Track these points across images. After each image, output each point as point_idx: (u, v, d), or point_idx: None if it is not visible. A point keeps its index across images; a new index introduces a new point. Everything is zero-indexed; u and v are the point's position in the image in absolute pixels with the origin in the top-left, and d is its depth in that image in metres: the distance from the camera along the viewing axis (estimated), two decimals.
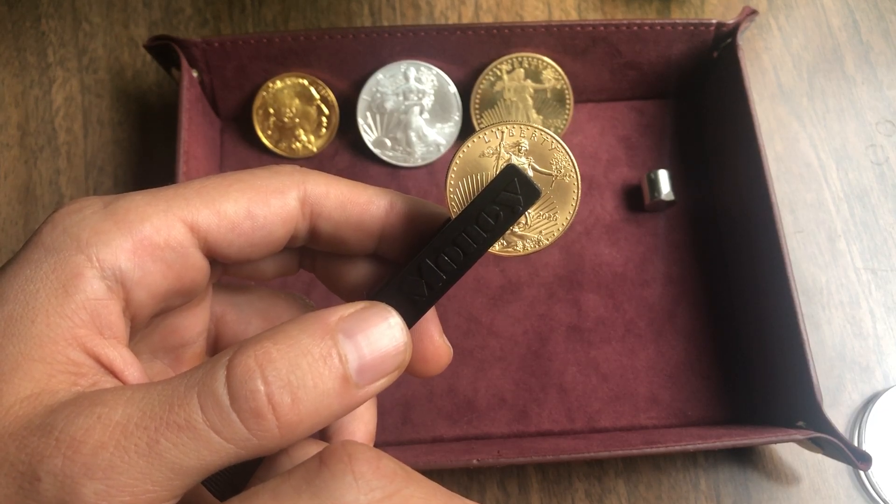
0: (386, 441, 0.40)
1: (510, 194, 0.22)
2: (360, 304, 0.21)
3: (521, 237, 0.25)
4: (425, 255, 0.22)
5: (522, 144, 0.24)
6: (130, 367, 0.20)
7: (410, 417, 0.40)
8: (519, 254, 0.25)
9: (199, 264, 0.21)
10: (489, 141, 0.24)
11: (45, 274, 0.19)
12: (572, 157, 0.24)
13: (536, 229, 0.25)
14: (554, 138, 0.24)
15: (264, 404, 0.18)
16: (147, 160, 0.46)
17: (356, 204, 0.23)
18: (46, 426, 0.17)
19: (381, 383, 0.20)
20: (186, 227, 0.20)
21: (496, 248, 0.24)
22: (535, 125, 0.24)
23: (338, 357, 0.19)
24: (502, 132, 0.24)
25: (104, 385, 0.19)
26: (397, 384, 0.41)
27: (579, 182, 0.24)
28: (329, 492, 0.17)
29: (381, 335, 0.20)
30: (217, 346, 0.26)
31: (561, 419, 0.41)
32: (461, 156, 0.24)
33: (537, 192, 0.22)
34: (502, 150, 0.24)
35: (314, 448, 0.21)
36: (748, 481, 0.40)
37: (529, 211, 0.24)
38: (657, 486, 0.40)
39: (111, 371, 0.19)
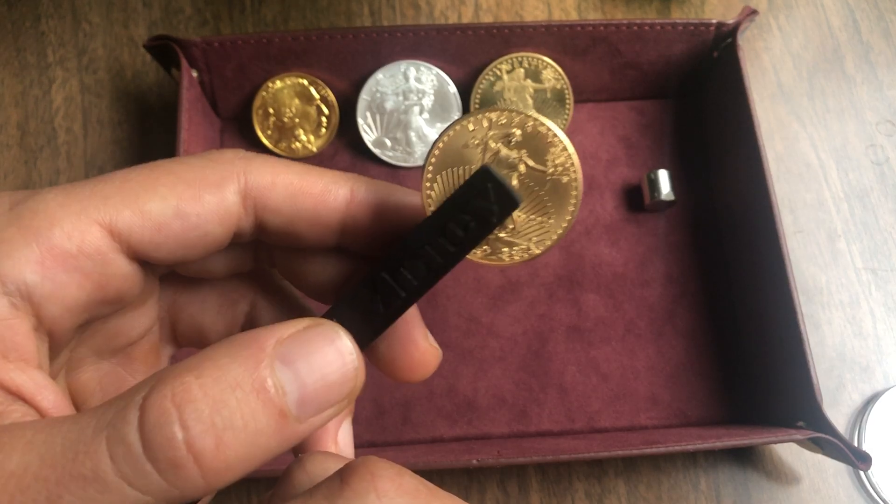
0: (386, 441, 0.40)
1: (483, 203, 0.18)
2: (302, 323, 0.17)
3: (508, 244, 0.21)
4: (381, 269, 0.19)
5: (514, 135, 0.20)
6: (44, 390, 0.17)
7: (410, 417, 0.40)
8: (505, 263, 0.21)
9: (123, 270, 0.19)
10: (474, 129, 0.20)
11: None
12: (572, 152, 0.20)
13: (527, 236, 0.21)
14: (551, 129, 0.19)
15: (183, 453, 0.15)
16: (147, 160, 0.46)
17: (309, 194, 0.20)
18: None
19: (328, 414, 0.17)
20: (104, 231, 0.18)
21: (478, 254, 0.21)
22: (531, 112, 0.20)
23: (273, 389, 0.16)
24: (490, 119, 0.20)
25: (11, 415, 0.16)
26: (397, 384, 0.41)
27: (580, 182, 0.20)
28: None
29: (325, 361, 0.17)
30: (175, 330, 0.24)
31: (561, 419, 0.41)
32: (441, 146, 0.20)
33: (515, 201, 0.18)
34: (490, 141, 0.20)
35: (334, 464, 0.20)
36: (748, 481, 0.40)
37: (520, 213, 0.20)
38: (657, 486, 0.40)
39: (20, 397, 0.17)
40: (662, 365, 0.42)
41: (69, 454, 0.15)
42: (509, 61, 0.44)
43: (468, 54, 0.44)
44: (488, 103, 0.45)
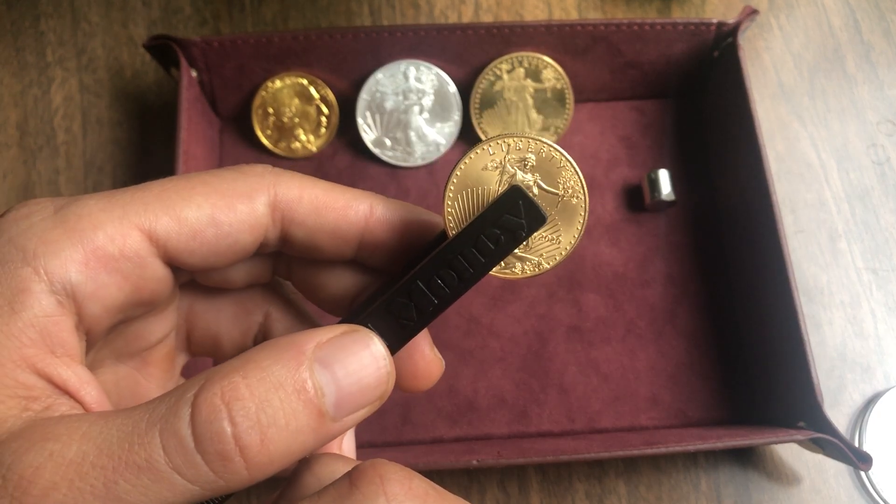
0: (386, 441, 0.40)
1: (513, 218, 0.20)
2: (339, 329, 0.19)
3: (521, 259, 0.23)
4: (417, 277, 0.20)
5: (529, 160, 0.22)
6: (87, 385, 0.18)
7: (410, 418, 0.40)
8: (517, 276, 0.23)
9: (159, 274, 0.20)
10: (493, 153, 0.22)
11: None
12: (581, 177, 0.22)
13: (538, 251, 0.23)
14: (563, 155, 0.22)
15: (231, 447, 0.16)
16: (146, 160, 0.46)
17: (332, 209, 0.21)
18: None
19: (361, 414, 0.19)
20: (144, 236, 0.19)
21: (494, 268, 0.22)
22: (544, 139, 0.22)
23: (313, 390, 0.17)
24: (508, 145, 0.22)
25: (59, 408, 0.17)
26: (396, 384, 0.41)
27: (587, 204, 0.22)
28: None
29: (361, 365, 0.18)
30: (190, 339, 0.25)
31: (561, 419, 0.41)
32: (462, 167, 0.22)
33: (543, 217, 0.20)
34: (507, 165, 0.22)
35: (342, 466, 0.20)
36: (749, 482, 0.40)
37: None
38: (657, 486, 0.40)
39: (66, 392, 0.18)
40: (663, 365, 0.42)
41: (125, 445, 0.16)
42: (509, 61, 0.44)
43: (468, 54, 0.43)
44: (488, 103, 0.45)
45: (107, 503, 0.16)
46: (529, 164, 0.22)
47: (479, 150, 0.22)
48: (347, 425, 0.18)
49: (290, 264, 0.24)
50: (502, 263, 0.22)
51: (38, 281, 0.17)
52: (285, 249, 0.22)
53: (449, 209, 0.22)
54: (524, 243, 0.21)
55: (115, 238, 0.18)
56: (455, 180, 0.22)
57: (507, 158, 0.22)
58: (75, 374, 0.18)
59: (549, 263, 0.23)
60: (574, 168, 0.22)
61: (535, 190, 0.22)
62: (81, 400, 0.18)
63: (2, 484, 0.16)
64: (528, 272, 0.23)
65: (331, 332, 0.18)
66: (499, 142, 0.22)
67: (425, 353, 0.23)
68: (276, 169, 0.21)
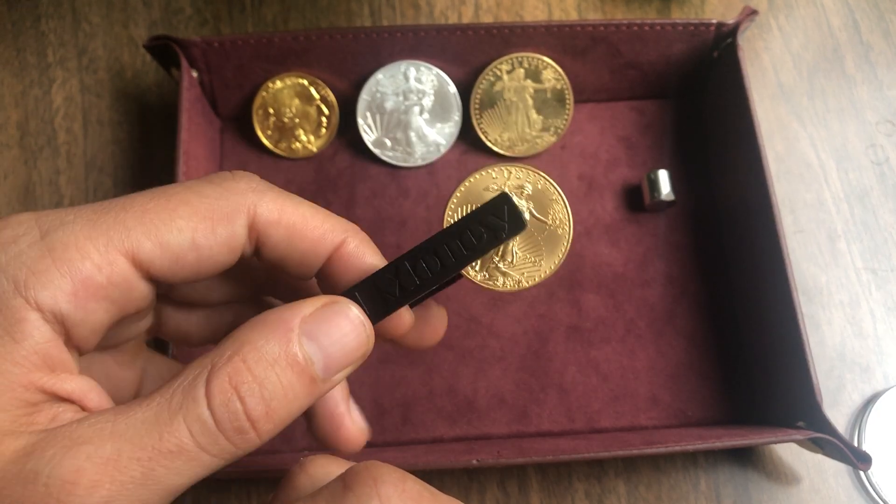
0: (386, 441, 0.40)
1: (497, 220, 0.22)
2: (320, 301, 0.21)
3: (504, 274, 0.25)
4: (405, 258, 0.23)
5: (526, 188, 0.25)
6: (90, 393, 0.20)
7: (410, 418, 0.40)
8: (497, 289, 0.26)
9: (143, 292, 0.21)
10: (496, 177, 0.25)
11: None
12: (570, 212, 0.25)
13: (520, 270, 0.26)
14: (557, 190, 0.25)
15: (245, 422, 0.19)
16: (147, 160, 0.46)
17: (306, 239, 0.22)
18: (28, 474, 0.17)
19: (346, 372, 0.21)
20: (128, 260, 0.20)
21: (478, 277, 0.25)
22: (544, 175, 0.25)
23: (304, 361, 0.20)
24: (510, 172, 0.25)
25: (65, 416, 0.19)
26: (397, 384, 0.41)
27: (571, 236, 0.25)
28: None
29: (342, 333, 0.21)
30: (160, 331, 0.26)
31: (561, 419, 0.41)
32: (466, 185, 0.25)
33: (523, 224, 0.22)
34: (505, 189, 0.24)
35: (336, 468, 0.21)
36: (748, 481, 0.40)
37: (517, 251, 0.25)
38: (657, 486, 0.40)
39: (71, 401, 0.19)
40: (662, 365, 0.42)
41: (154, 435, 0.18)
42: (509, 61, 0.44)
43: (468, 54, 0.44)
44: (488, 103, 0.45)
45: (146, 489, 0.18)
46: (526, 192, 0.25)
47: (483, 172, 0.25)
48: (336, 382, 0.21)
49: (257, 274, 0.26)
50: (486, 274, 0.25)
51: (31, 310, 0.18)
52: (254, 260, 0.24)
53: (449, 219, 0.24)
54: (510, 259, 0.25)
55: (103, 267, 0.19)
56: (458, 195, 0.25)
57: (507, 184, 0.25)
58: (77, 387, 0.20)
59: (528, 282, 0.25)
60: (564, 203, 0.25)
61: (527, 215, 0.24)
62: (86, 406, 0.20)
63: (45, 491, 0.17)
64: (509, 287, 0.25)
65: (313, 305, 0.21)
66: (501, 167, 0.25)
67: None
68: (258, 185, 0.22)
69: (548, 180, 0.25)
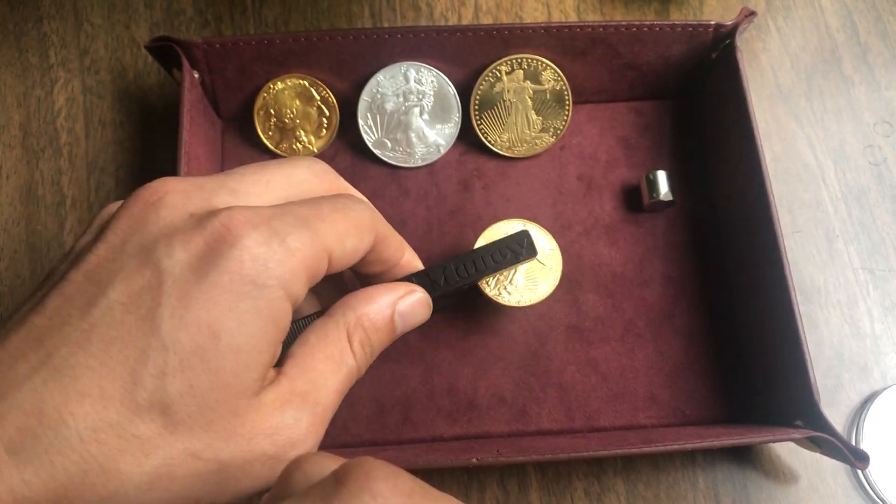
0: (386, 440, 0.40)
1: (518, 246, 0.35)
2: (404, 287, 0.31)
3: (510, 293, 0.37)
4: (451, 262, 0.33)
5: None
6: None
7: (410, 417, 0.41)
8: (502, 303, 0.38)
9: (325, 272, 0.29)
10: (513, 225, 0.39)
11: (260, 308, 0.25)
12: (560, 257, 0.39)
13: (521, 293, 0.38)
14: (554, 245, 0.39)
15: (367, 349, 0.30)
16: (148, 160, 0.46)
17: (387, 261, 0.32)
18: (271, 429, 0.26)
19: (412, 328, 0.32)
20: (328, 258, 0.28)
21: (490, 292, 0.37)
22: (547, 234, 0.39)
23: (395, 323, 0.31)
24: (523, 224, 0.39)
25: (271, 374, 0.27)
26: (397, 383, 0.41)
27: (558, 277, 0.38)
28: None
29: (415, 309, 0.31)
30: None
31: (560, 418, 0.41)
32: (491, 228, 0.39)
33: (535, 252, 0.35)
34: (523, 226, 0.38)
35: (330, 464, 0.21)
36: (746, 480, 0.40)
37: (520, 278, 0.38)
38: (656, 484, 0.40)
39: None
40: (661, 364, 0.42)
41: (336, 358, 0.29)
42: (509, 62, 0.44)
43: (468, 55, 0.44)
44: (488, 104, 0.45)
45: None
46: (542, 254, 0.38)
47: (503, 223, 0.39)
48: (405, 331, 0.32)
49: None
50: (497, 291, 0.37)
51: (285, 300, 0.26)
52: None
53: (477, 245, 0.37)
54: (516, 284, 0.38)
55: (321, 265, 0.27)
56: (485, 235, 0.39)
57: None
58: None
59: (526, 303, 0.38)
60: (557, 253, 0.39)
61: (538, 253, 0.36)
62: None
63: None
64: (511, 303, 0.38)
65: (402, 290, 0.31)
66: (515, 221, 0.39)
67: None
68: (370, 205, 0.31)
69: (549, 237, 0.39)
